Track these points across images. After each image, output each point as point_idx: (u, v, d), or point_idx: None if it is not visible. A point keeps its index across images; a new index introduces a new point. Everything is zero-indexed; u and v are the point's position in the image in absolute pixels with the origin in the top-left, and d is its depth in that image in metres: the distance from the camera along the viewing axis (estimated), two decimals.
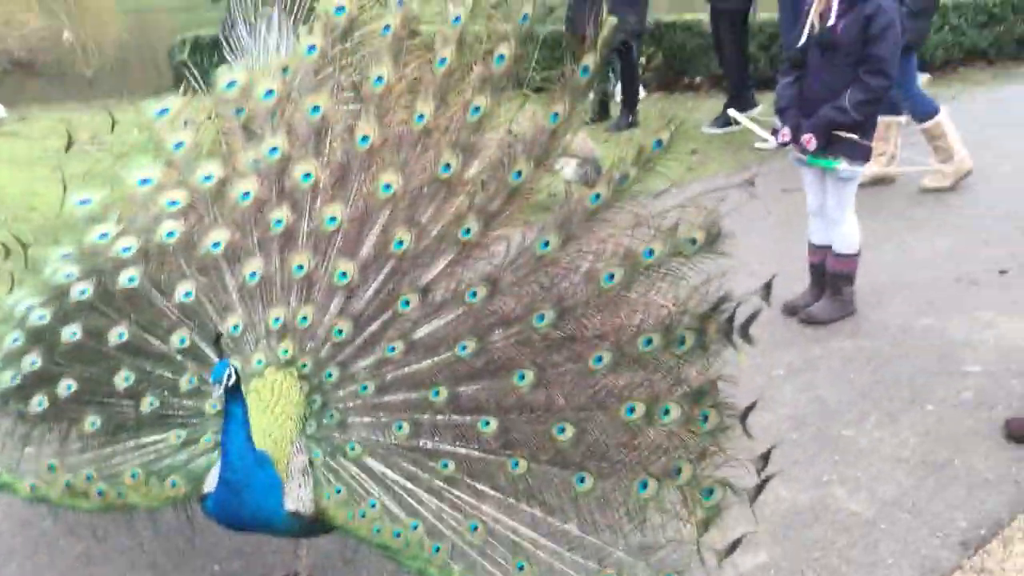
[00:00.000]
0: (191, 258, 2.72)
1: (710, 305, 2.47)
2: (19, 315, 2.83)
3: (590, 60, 2.64)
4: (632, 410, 2.44)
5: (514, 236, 2.68)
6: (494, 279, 2.58)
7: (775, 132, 4.60)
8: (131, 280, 2.71)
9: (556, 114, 2.64)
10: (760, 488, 2.55)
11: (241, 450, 2.40)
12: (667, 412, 2.44)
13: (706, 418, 2.47)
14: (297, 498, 2.47)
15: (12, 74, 15.11)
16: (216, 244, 2.69)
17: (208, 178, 2.74)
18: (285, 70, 2.91)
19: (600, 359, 2.48)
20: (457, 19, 2.78)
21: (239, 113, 2.86)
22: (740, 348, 2.50)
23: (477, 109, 2.70)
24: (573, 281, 2.58)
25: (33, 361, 2.78)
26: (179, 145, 2.80)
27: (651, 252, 2.53)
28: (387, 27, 2.85)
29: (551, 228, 2.58)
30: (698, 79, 10.09)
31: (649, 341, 2.47)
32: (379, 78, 2.77)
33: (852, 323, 4.53)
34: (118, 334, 2.72)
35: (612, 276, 2.52)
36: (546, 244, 2.57)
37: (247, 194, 2.72)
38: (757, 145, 7.84)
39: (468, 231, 2.63)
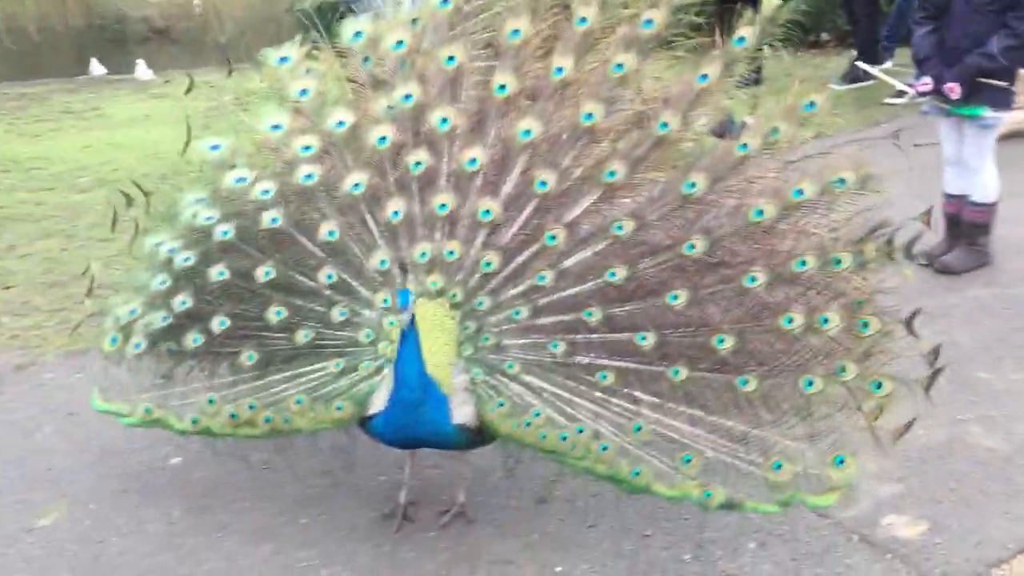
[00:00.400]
0: (331, 200, 2.86)
1: (866, 230, 2.59)
2: (163, 258, 2.97)
3: (748, 32, 2.68)
4: (791, 320, 2.60)
5: (659, 179, 2.77)
6: (640, 214, 2.71)
7: (911, 84, 4.62)
8: (273, 220, 2.86)
9: (706, 75, 2.69)
10: (932, 379, 2.66)
11: (417, 370, 2.63)
12: (826, 321, 2.59)
13: (866, 325, 2.61)
14: (463, 413, 2.71)
15: (152, 41, 15.90)
16: (356, 185, 2.82)
17: (340, 124, 2.84)
18: (415, 22, 2.95)
19: (754, 279, 2.62)
20: None
21: (366, 63, 2.93)
22: (904, 265, 2.62)
23: (620, 66, 2.72)
24: (720, 215, 2.68)
25: (183, 301, 2.94)
26: (304, 92, 2.88)
27: (800, 191, 2.63)
28: None
29: (698, 171, 2.69)
30: (824, 36, 9.96)
31: (803, 263, 2.60)
32: (515, 31, 2.78)
33: (987, 273, 4.55)
34: (264, 272, 2.88)
35: (761, 212, 2.63)
36: (692, 185, 2.67)
37: (384, 138, 2.82)
38: (887, 100, 7.74)
39: (613, 173, 2.73)
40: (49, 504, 3.15)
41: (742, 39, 2.69)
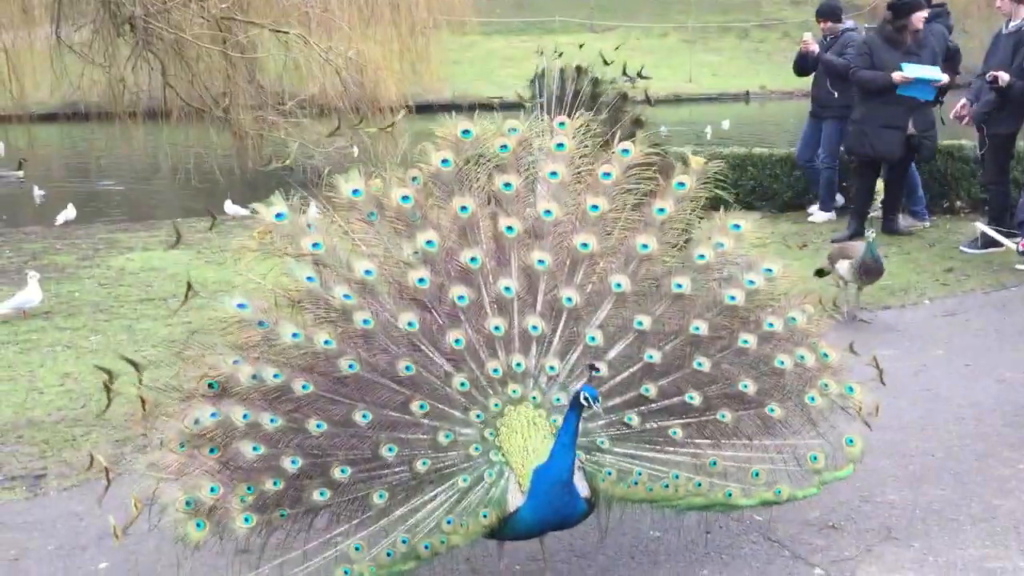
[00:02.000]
0: (393, 339, 3.22)
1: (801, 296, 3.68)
2: (245, 425, 3.11)
3: (684, 179, 3.49)
4: (782, 362, 3.54)
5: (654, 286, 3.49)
6: (651, 312, 3.43)
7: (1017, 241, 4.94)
8: (351, 367, 3.15)
9: (663, 209, 3.46)
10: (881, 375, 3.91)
11: (572, 457, 3.11)
12: (803, 357, 3.56)
13: (826, 355, 3.61)
14: (582, 487, 3.23)
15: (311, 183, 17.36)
16: (410, 324, 3.22)
17: (368, 272, 3.24)
18: (415, 179, 3.41)
19: (746, 341, 3.49)
20: (561, 145, 3.48)
21: (372, 216, 3.35)
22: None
23: (595, 207, 3.42)
24: (705, 304, 3.50)
25: (293, 461, 3.11)
26: (316, 245, 3.24)
27: (752, 281, 3.52)
28: (504, 147, 3.43)
29: (680, 275, 3.46)
30: (959, 203, 10.21)
31: (771, 324, 3.53)
32: (507, 184, 3.39)
33: None
34: (362, 416, 3.16)
35: (734, 297, 3.50)
36: (679, 286, 3.45)
37: (423, 279, 3.26)
38: (1018, 266, 7.92)
39: (619, 285, 3.40)
40: None
41: (681, 184, 3.50)
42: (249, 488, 3.09)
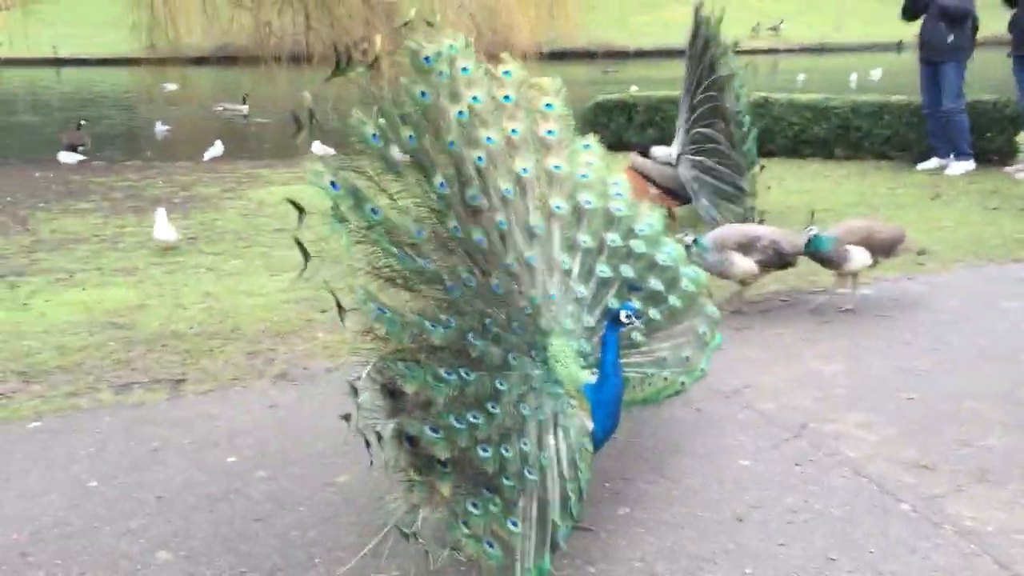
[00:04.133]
0: (468, 297, 3.22)
1: None
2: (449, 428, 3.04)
3: (551, 100, 3.74)
4: (664, 260, 3.89)
5: None
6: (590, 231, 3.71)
7: None
8: (477, 340, 3.19)
9: (552, 130, 3.72)
10: None
11: (620, 370, 3.32)
12: (670, 254, 3.94)
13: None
14: None
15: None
16: (469, 278, 3.23)
17: (420, 232, 3.16)
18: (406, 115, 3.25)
19: (640, 247, 3.84)
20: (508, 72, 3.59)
21: (396, 166, 3.21)
22: None
23: (552, 132, 3.68)
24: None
25: (506, 449, 3.08)
26: (375, 211, 3.12)
27: None
28: (466, 69, 3.38)
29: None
30: None
31: (643, 228, 3.93)
32: (475, 98, 3.37)
33: None
34: (498, 382, 3.17)
35: None
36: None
37: (456, 228, 3.23)
38: None
39: (559, 207, 3.60)
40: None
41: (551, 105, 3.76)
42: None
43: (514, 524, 2.98)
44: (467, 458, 3.01)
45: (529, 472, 3.06)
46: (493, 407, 3.11)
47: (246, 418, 4.50)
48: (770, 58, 30.91)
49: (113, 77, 25.71)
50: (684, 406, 4.40)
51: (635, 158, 7.89)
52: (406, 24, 3.55)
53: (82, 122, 14.47)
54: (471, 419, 3.04)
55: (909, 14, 9.77)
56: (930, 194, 8.77)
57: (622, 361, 3.42)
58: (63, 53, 27.19)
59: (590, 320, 3.55)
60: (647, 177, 7.66)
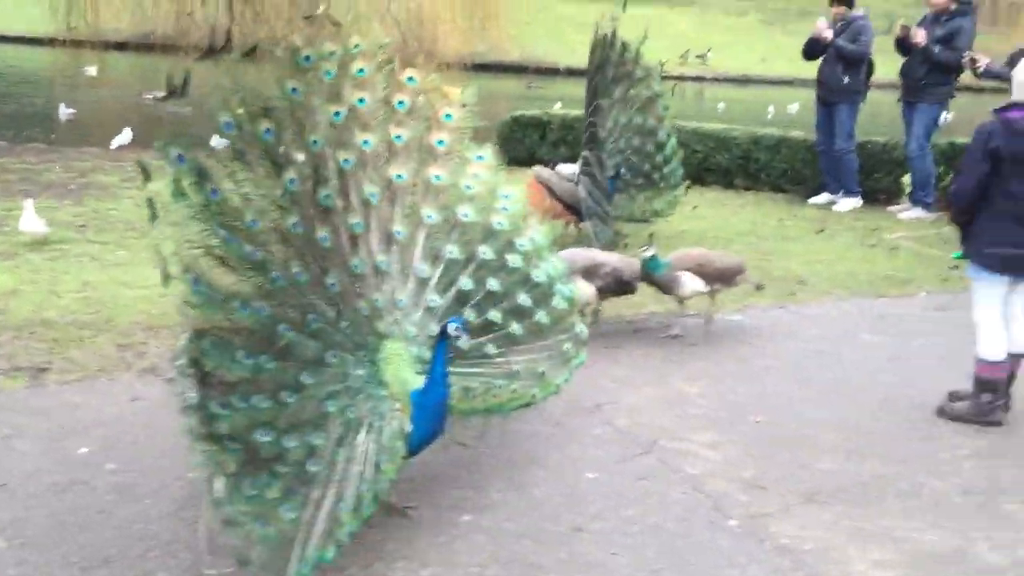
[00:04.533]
0: (294, 291, 3.30)
1: None
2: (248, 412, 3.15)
3: (451, 111, 3.84)
4: (537, 277, 3.98)
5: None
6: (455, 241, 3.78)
7: None
8: (288, 331, 3.28)
9: (442, 140, 3.84)
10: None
11: (446, 380, 3.37)
12: (547, 272, 4.03)
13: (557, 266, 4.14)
14: None
15: None
16: (299, 275, 3.32)
17: (255, 222, 3.25)
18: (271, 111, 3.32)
19: (514, 261, 3.94)
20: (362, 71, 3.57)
21: (242, 155, 3.29)
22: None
23: (400, 137, 3.69)
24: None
25: (292, 440, 3.16)
26: (214, 192, 3.20)
27: None
28: (329, 72, 3.46)
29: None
30: None
31: (523, 244, 4.01)
32: (337, 113, 3.46)
33: None
34: (305, 375, 3.27)
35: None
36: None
37: (296, 224, 3.31)
38: None
39: (430, 216, 3.71)
40: None
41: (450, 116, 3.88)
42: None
43: (290, 511, 3.02)
44: (252, 439, 3.09)
45: (313, 465, 3.13)
46: (289, 397, 3.19)
47: (108, 410, 4.48)
48: (696, 85, 31.57)
49: (30, 56, 25.00)
50: (544, 420, 4.53)
51: (539, 170, 8.05)
52: (308, 18, 3.67)
53: None
54: (257, 403, 3.13)
55: (809, 55, 10.12)
56: (816, 227, 9.12)
57: (467, 371, 3.54)
58: None
59: (436, 329, 3.64)
60: (550, 190, 7.82)
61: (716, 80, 32.24)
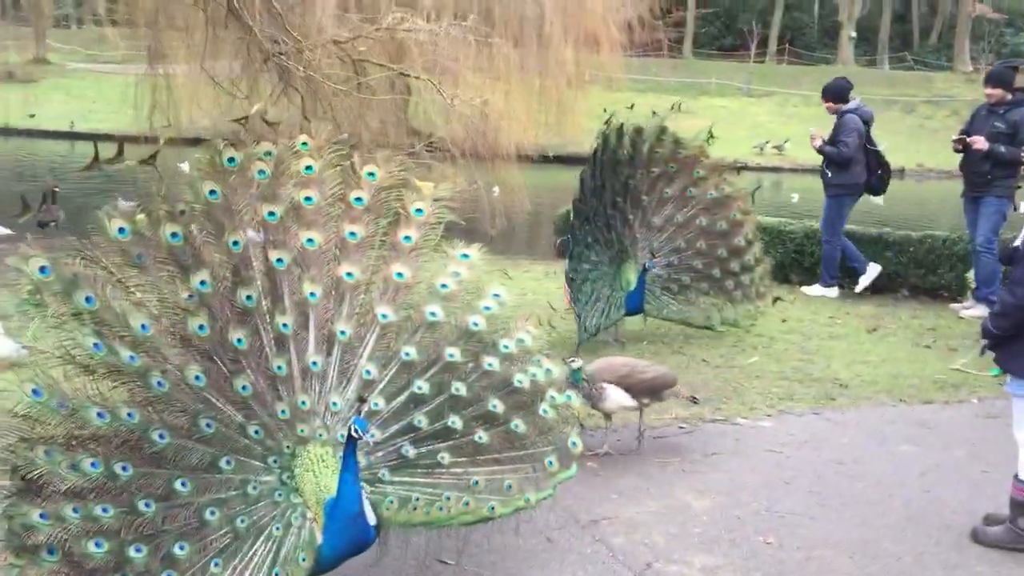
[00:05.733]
0: (185, 396, 3.17)
1: None
2: (80, 519, 3.03)
3: (421, 205, 3.75)
4: (520, 380, 3.82)
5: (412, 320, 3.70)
6: (411, 341, 3.64)
7: None
8: (162, 437, 3.12)
9: (409, 236, 3.72)
10: None
11: (358, 489, 3.20)
12: (534, 375, 3.86)
13: (550, 370, 3.95)
14: (370, 516, 3.31)
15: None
16: (198, 378, 3.18)
17: (144, 328, 3.14)
18: (182, 212, 3.29)
19: (491, 364, 3.78)
20: (310, 168, 3.53)
21: (140, 259, 3.21)
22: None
23: (353, 234, 3.58)
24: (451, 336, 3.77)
25: (138, 548, 3.04)
26: (89, 301, 3.09)
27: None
28: (263, 172, 3.42)
29: (434, 303, 3.75)
30: None
31: (507, 346, 3.87)
32: (271, 213, 3.41)
33: None
34: (180, 483, 3.14)
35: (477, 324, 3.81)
36: (434, 315, 3.73)
37: (202, 327, 3.22)
38: None
39: (385, 315, 3.58)
40: None
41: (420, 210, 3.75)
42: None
43: None
44: (81, 550, 2.97)
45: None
46: (146, 506, 3.05)
47: None
48: (774, 176, 31.22)
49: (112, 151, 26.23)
50: (536, 534, 4.30)
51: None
52: (240, 120, 3.69)
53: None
54: (95, 513, 3.00)
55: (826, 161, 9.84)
56: (869, 326, 8.69)
57: (409, 480, 3.46)
58: (79, 128, 27.84)
59: (376, 434, 3.48)
60: None
61: (794, 171, 31.76)
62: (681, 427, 5.90)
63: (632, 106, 7.88)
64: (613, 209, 7.48)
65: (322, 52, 15.47)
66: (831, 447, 5.65)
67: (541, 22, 22.39)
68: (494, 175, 19.24)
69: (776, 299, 8.14)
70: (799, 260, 10.53)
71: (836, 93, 9.66)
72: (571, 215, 7.61)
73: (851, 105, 9.64)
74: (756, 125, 36.47)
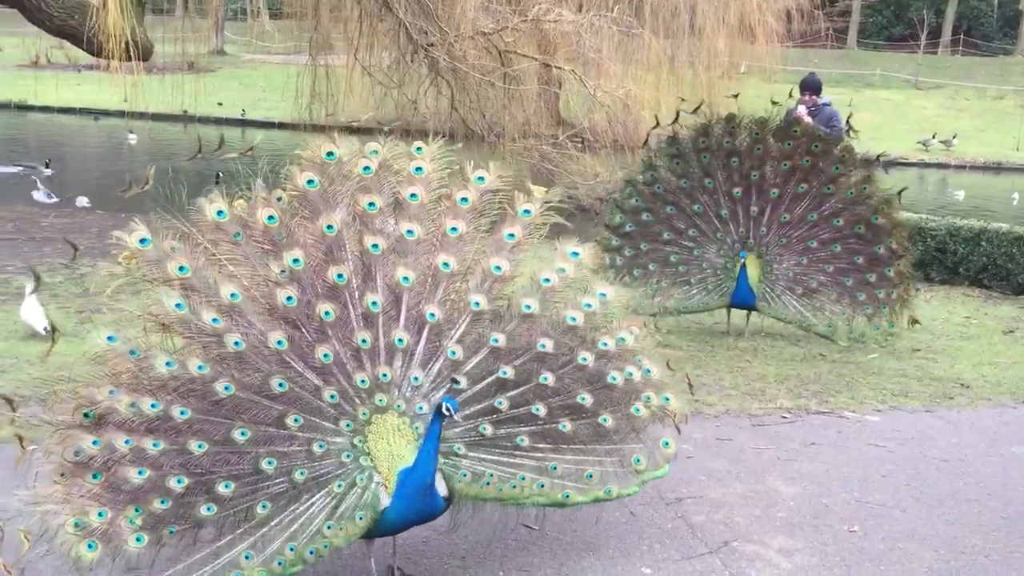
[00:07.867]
0: (266, 358, 3.38)
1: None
2: (128, 450, 3.23)
3: (529, 207, 3.90)
4: (614, 377, 3.92)
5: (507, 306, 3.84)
6: (504, 330, 3.78)
7: None
8: (227, 389, 3.33)
9: (512, 234, 3.87)
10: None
11: (434, 461, 3.42)
12: (631, 373, 3.97)
13: (649, 371, 4.04)
14: (442, 488, 3.56)
15: (576, 218, 18.08)
16: (280, 342, 3.40)
17: (234, 295, 3.38)
18: (280, 199, 3.53)
19: (584, 359, 3.88)
20: (419, 169, 3.75)
21: (238, 236, 3.45)
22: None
23: (455, 229, 3.78)
24: (546, 327, 3.88)
25: (179, 480, 3.25)
26: (182, 269, 3.34)
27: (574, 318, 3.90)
28: (367, 168, 3.64)
29: (529, 296, 3.86)
30: None
31: (605, 344, 3.95)
32: (371, 203, 3.63)
33: None
34: (240, 432, 3.32)
35: (574, 318, 3.91)
36: (528, 307, 3.84)
37: (290, 298, 3.43)
38: None
39: (477, 303, 3.75)
40: None
41: (527, 211, 3.91)
42: (137, 509, 3.23)
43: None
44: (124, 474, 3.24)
45: (207, 510, 3.30)
46: (199, 447, 3.31)
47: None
48: (939, 172, 29.73)
49: (277, 137, 27.62)
50: (620, 508, 4.45)
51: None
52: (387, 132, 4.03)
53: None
54: (147, 444, 3.25)
55: None
56: (1006, 327, 8.33)
57: (484, 456, 3.70)
58: (250, 115, 29.46)
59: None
60: None
61: (961, 167, 30.13)
62: (784, 417, 5.89)
63: (791, 94, 7.71)
64: (729, 199, 7.46)
65: (469, 43, 15.95)
66: (938, 445, 5.54)
67: (693, 12, 22.22)
68: (635, 166, 19.28)
69: (914, 322, 7.43)
70: (940, 258, 10.16)
71: (817, 87, 9.29)
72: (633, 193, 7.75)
73: (826, 99, 9.25)
74: (922, 119, 34.72)
